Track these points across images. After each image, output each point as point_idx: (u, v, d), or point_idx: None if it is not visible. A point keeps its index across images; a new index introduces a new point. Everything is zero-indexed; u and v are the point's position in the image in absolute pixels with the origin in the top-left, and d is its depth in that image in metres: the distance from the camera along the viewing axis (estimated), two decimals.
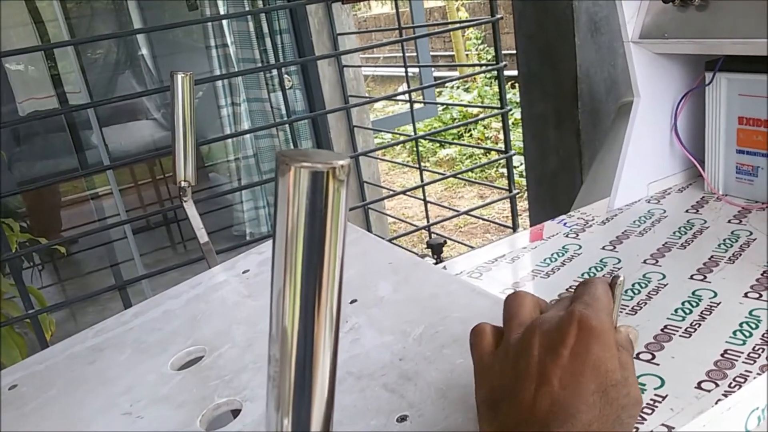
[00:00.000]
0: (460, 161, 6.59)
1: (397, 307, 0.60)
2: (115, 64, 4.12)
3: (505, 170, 2.26)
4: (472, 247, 2.44)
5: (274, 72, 2.83)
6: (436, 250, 1.29)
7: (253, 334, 0.63)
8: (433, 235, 2.96)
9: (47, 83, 3.22)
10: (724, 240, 0.93)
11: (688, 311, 0.76)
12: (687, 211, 1.06)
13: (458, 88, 8.52)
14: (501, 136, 6.85)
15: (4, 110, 3.48)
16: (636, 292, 0.82)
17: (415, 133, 2.45)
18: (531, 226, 2.16)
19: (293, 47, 2.78)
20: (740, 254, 0.88)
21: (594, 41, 1.62)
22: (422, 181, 2.41)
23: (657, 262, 0.90)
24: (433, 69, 5.69)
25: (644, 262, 0.90)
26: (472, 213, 2.08)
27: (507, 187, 2.14)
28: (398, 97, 4.26)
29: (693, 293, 0.80)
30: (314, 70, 2.76)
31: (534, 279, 0.91)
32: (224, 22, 2.92)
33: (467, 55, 8.80)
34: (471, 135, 7.23)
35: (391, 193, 2.89)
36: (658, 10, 1.02)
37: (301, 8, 2.60)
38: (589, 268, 0.91)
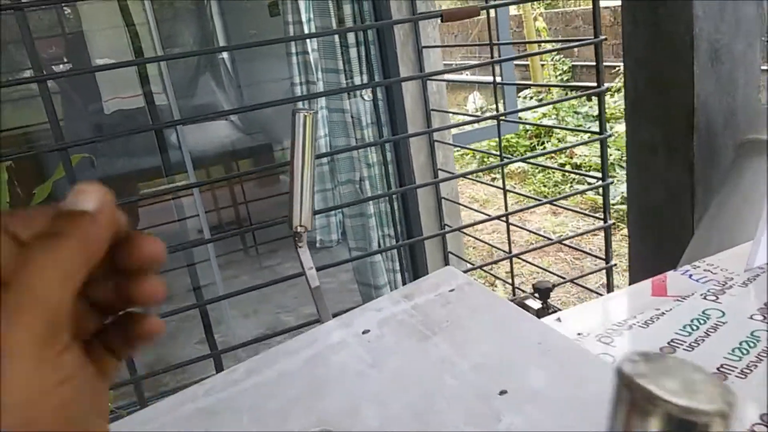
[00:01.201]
0: (532, 174, 6.42)
1: (558, 407, 0.53)
2: (197, 66, 4.19)
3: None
4: (562, 278, 2.32)
5: (357, 82, 2.79)
6: (544, 295, 1.20)
7: (384, 417, 0.56)
8: (500, 254, 2.85)
9: (134, 82, 3.28)
10: None
11: None
12: None
13: (531, 98, 8.33)
14: (576, 151, 6.65)
15: (90, 108, 3.56)
16: None
17: (501, 154, 2.35)
18: (630, 259, 2.04)
19: (377, 58, 2.72)
20: None
21: (714, 70, 1.50)
22: (506, 202, 2.31)
23: None
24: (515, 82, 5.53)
25: None
26: (565, 242, 1.97)
27: (602, 217, 2.02)
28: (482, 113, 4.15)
29: None
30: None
31: (676, 351, 0.81)
32: (306, 28, 2.90)
33: (542, 65, 8.60)
34: (544, 147, 7.05)
35: (479, 221, 2.81)
36: None
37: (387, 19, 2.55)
38: (740, 343, 0.80)
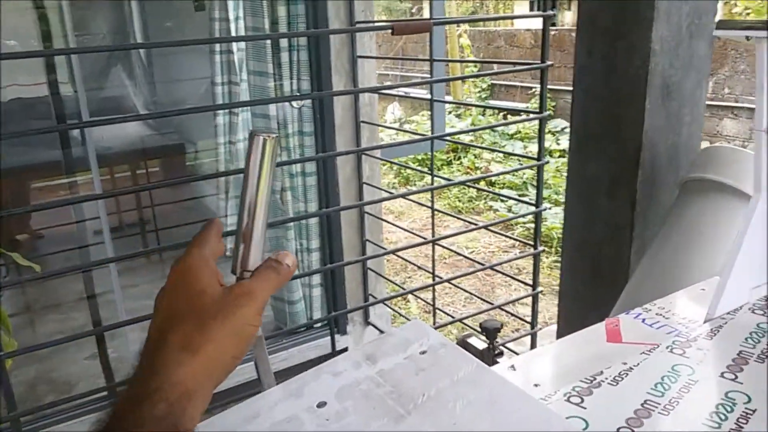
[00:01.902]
0: (448, 189, 6.45)
1: None
2: (108, 56, 3.89)
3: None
4: (491, 303, 2.27)
5: (286, 84, 2.65)
6: (491, 335, 1.13)
7: None
8: (414, 272, 2.79)
9: (38, 69, 2.98)
10: None
11: None
12: None
13: (450, 113, 8.42)
14: (492, 168, 6.76)
15: None
16: None
17: (432, 173, 2.28)
18: (561, 290, 2.02)
19: (310, 64, 2.60)
20: None
21: (664, 106, 1.48)
22: (433, 225, 2.25)
23: None
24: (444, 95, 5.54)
25: None
26: (496, 268, 1.92)
27: (532, 243, 1.99)
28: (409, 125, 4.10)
29: None
30: (328, 89, 2.58)
31: (651, 416, 0.74)
32: (233, 26, 2.73)
33: (463, 82, 8.71)
34: (461, 163, 7.12)
35: (409, 245, 2.73)
36: None
37: (323, 27, 2.43)
38: (717, 406, 0.75)
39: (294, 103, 2.64)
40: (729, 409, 0.75)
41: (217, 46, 2.85)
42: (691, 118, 1.53)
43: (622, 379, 0.82)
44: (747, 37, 0.92)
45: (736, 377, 0.81)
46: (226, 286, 0.51)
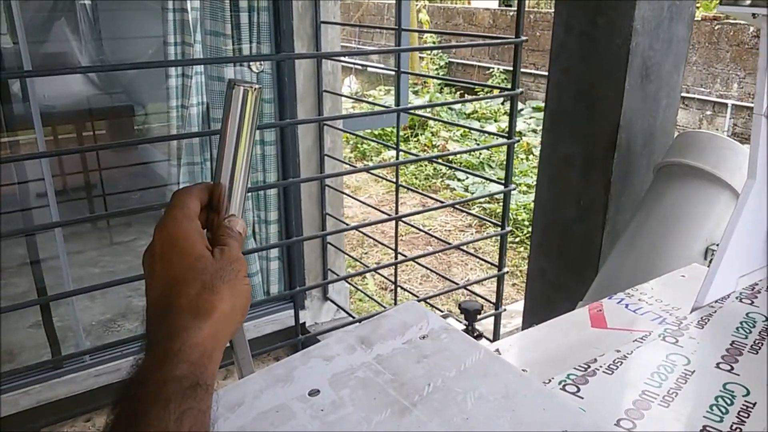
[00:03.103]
0: (405, 166, 6.40)
1: None
2: (52, 8, 3.65)
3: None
4: (455, 283, 2.23)
5: (245, 48, 2.52)
6: (471, 317, 1.08)
7: None
8: (378, 246, 2.73)
9: None
10: None
11: None
12: None
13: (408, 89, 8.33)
14: (449, 146, 6.73)
15: None
16: None
17: (398, 148, 2.22)
18: (529, 270, 1.99)
19: (270, 27, 2.47)
20: None
21: (642, 88, 1.45)
22: (397, 201, 2.19)
23: None
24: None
25: None
26: (463, 248, 1.87)
27: (500, 223, 1.95)
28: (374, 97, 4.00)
29: None
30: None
31: (651, 407, 0.70)
32: None
33: (421, 58, 8.64)
34: (418, 140, 7.08)
35: (372, 222, 2.66)
36: None
37: None
38: (716, 398, 0.72)
39: (253, 68, 2.52)
40: (729, 402, 0.71)
41: (170, 4, 2.69)
42: (668, 102, 1.51)
43: (617, 367, 0.78)
44: (753, 15, 0.89)
45: (732, 368, 0.78)
46: (218, 250, 0.52)
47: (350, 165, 2.68)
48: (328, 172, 2.71)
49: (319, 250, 2.91)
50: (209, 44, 2.62)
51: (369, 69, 7.58)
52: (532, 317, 1.72)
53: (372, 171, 3.98)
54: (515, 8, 1.69)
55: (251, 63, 2.52)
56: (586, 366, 0.78)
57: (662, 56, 1.44)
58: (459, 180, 6.09)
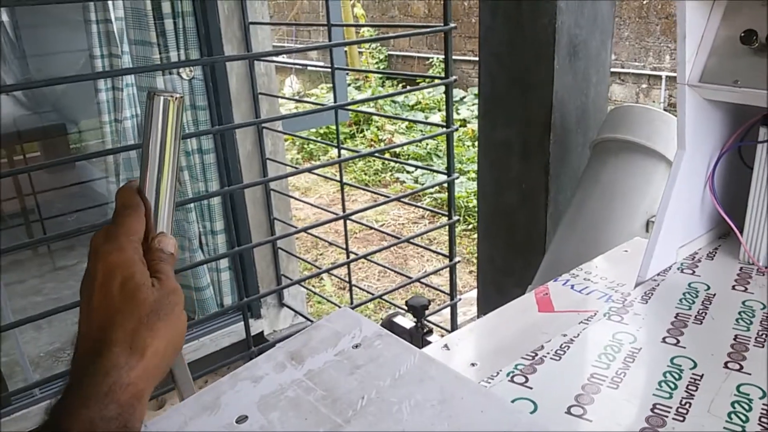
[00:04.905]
0: (354, 163, 6.37)
1: None
2: None
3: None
4: (409, 277, 2.21)
5: (173, 55, 2.44)
6: (419, 313, 1.05)
7: None
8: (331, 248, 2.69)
9: None
10: None
11: None
12: (734, 288, 0.90)
13: (350, 85, 8.30)
14: (395, 139, 6.72)
15: None
16: (743, 418, 0.64)
17: (339, 146, 2.19)
18: (479, 258, 1.98)
19: (198, 32, 2.40)
20: None
21: (571, 67, 1.45)
22: (343, 200, 2.16)
23: (742, 368, 0.72)
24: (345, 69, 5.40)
25: (726, 366, 0.72)
26: (413, 241, 1.86)
27: (442, 213, 1.94)
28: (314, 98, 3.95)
29: None
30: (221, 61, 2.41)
31: (600, 390, 0.69)
32: None
33: (360, 52, 8.60)
34: (364, 136, 7.05)
35: (319, 222, 2.64)
36: (727, 52, 0.84)
37: None
38: (664, 374, 0.71)
39: (183, 75, 2.44)
40: (677, 376, 0.71)
41: (93, 15, 2.59)
42: (598, 79, 1.52)
43: (565, 352, 0.77)
44: None
45: (678, 341, 0.78)
46: (155, 280, 0.50)
47: (293, 167, 2.64)
48: (271, 175, 2.65)
49: (270, 256, 2.85)
50: (135, 54, 2.53)
51: (309, 68, 7.51)
52: (485, 304, 1.72)
53: (318, 171, 3.93)
54: None
55: (181, 70, 2.45)
56: (533, 354, 0.77)
57: (588, 33, 1.44)
58: (408, 172, 6.09)
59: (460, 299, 2.03)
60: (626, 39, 7.22)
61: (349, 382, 0.49)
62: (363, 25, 7.63)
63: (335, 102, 2.34)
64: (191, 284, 2.68)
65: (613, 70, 7.34)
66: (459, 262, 1.94)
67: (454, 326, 2.11)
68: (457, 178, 1.87)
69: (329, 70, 2.22)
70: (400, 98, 7.50)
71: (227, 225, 2.63)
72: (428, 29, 1.88)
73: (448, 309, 2.08)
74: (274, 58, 3.07)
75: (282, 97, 2.92)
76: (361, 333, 0.54)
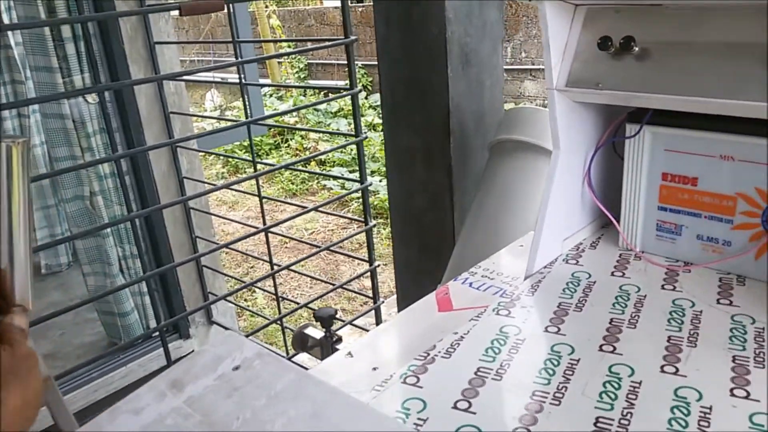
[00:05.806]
0: (280, 173, 6.34)
1: None
2: None
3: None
4: (332, 284, 2.23)
5: (77, 79, 2.38)
6: (327, 323, 1.08)
7: None
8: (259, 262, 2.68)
9: None
10: (671, 314, 0.84)
11: (683, 423, 0.64)
12: (613, 274, 0.96)
13: (272, 96, 8.25)
14: (320, 147, 6.73)
15: None
16: (612, 396, 0.69)
17: (254, 160, 2.19)
18: (395, 264, 2.03)
19: (101, 54, 2.36)
20: (696, 333, 0.80)
21: (464, 74, 1.52)
22: (262, 211, 2.17)
23: (615, 349, 0.78)
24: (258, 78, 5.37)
25: (601, 349, 0.78)
26: (335, 249, 1.88)
27: (362, 219, 1.98)
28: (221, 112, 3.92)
29: (676, 393, 0.69)
30: (126, 80, 2.36)
31: (485, 383, 0.74)
32: (6, 16, 2.41)
33: (279, 63, 8.56)
34: (289, 145, 7.03)
35: (241, 237, 2.63)
36: (588, 57, 0.91)
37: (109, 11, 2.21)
38: (544, 362, 0.77)
39: (89, 99, 2.39)
40: (555, 363, 0.76)
41: None
42: (491, 82, 1.58)
43: (455, 350, 0.81)
44: None
45: (559, 330, 0.83)
46: (7, 346, 0.50)
47: (211, 184, 2.61)
48: (189, 194, 2.62)
49: (195, 275, 2.82)
50: (38, 80, 2.46)
51: (230, 81, 7.42)
52: (405, 306, 1.76)
53: (239, 186, 3.89)
54: (362, 5, 1.71)
55: (86, 95, 2.39)
56: (425, 354, 0.81)
57: (478, 41, 1.51)
58: (335, 179, 6.11)
59: (383, 302, 2.07)
60: (535, 37, 7.47)
61: (227, 405, 0.51)
62: (268, 41, 7.61)
63: (250, 117, 2.34)
64: (114, 310, 2.62)
65: (524, 67, 7.60)
66: (379, 265, 1.97)
67: None
68: (370, 185, 1.91)
69: (239, 85, 2.21)
70: (322, 106, 7.52)
71: (147, 247, 2.59)
72: (330, 43, 1.91)
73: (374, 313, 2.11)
74: (187, 77, 3.04)
75: (195, 115, 2.89)
76: (241, 355, 0.56)
